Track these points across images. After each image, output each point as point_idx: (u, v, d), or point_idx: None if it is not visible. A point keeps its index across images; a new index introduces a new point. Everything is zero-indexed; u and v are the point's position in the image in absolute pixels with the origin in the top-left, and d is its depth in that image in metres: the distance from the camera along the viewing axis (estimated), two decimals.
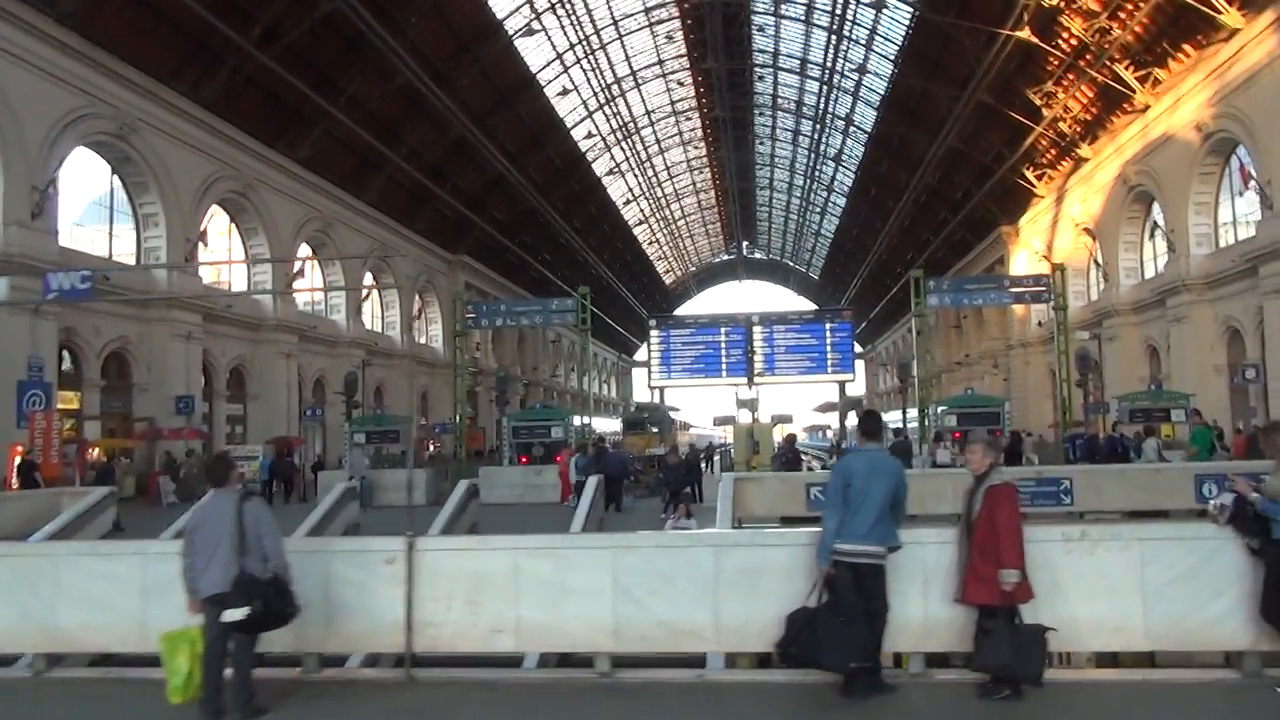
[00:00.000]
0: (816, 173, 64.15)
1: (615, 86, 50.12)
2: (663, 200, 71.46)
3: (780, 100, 55.34)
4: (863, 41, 42.68)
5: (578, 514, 14.75)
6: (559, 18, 40.63)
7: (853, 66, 45.15)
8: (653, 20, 45.68)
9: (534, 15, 38.96)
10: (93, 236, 28.52)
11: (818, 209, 71.98)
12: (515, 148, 45.66)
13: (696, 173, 69.85)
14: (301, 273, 36.70)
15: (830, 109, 52.07)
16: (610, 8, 43.21)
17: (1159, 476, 15.69)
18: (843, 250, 74.74)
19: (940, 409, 27.17)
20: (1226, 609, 5.99)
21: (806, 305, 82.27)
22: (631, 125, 55.85)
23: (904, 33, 39.70)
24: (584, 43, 44.10)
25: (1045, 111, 36.06)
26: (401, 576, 6.40)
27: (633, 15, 44.65)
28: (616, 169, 59.90)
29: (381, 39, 31.53)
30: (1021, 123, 37.68)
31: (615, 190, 63.16)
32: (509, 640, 6.41)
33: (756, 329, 38.70)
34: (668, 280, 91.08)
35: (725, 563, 6.35)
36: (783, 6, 44.10)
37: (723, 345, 38.97)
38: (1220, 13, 26.19)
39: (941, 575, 6.11)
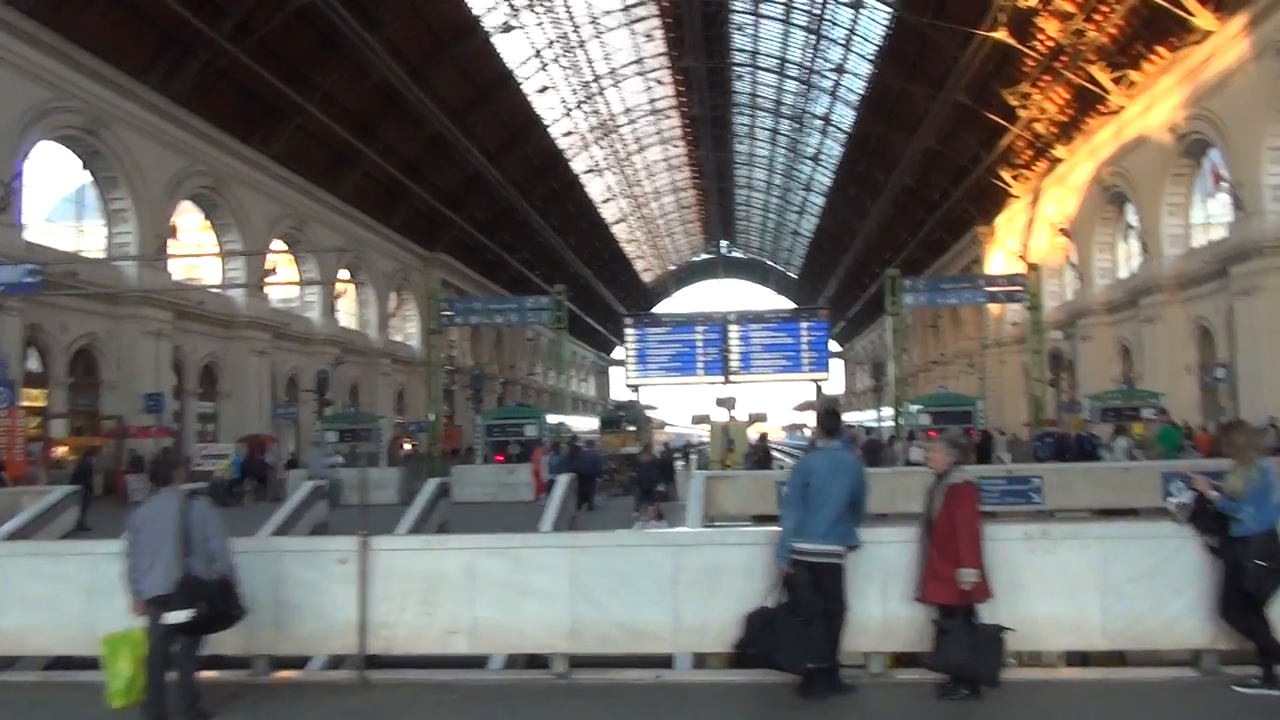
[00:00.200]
0: (795, 172, 64.28)
1: (594, 84, 50.01)
2: (642, 199, 71.42)
3: (759, 99, 55.40)
4: (841, 41, 42.81)
5: (547, 513, 14.67)
6: (537, 14, 40.48)
7: (831, 66, 45.27)
8: (632, 18, 45.60)
9: (512, 12, 38.79)
10: (63, 232, 28.15)
11: (796, 208, 72.16)
12: (493, 145, 45.43)
13: (676, 171, 69.82)
14: (275, 269, 36.45)
15: (808, 108, 52.18)
16: (589, 5, 43.07)
17: (1127, 475, 15.81)
18: (821, 249, 74.96)
19: (914, 408, 27.27)
20: (1186, 608, 5.97)
21: (786, 304, 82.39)
22: (610, 123, 55.76)
23: (882, 33, 39.81)
24: (562, 40, 43.97)
25: (1021, 113, 36.26)
26: (355, 576, 6.28)
27: (611, 13, 44.54)
28: (595, 167, 59.80)
29: (356, 34, 31.29)
30: (998, 123, 37.88)
31: (594, 188, 63.05)
32: (464, 641, 6.30)
33: (732, 327, 38.66)
34: (647, 279, 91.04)
35: (684, 562, 6.27)
36: (762, 6, 44.12)
37: (699, 344, 38.91)
38: (1193, 15, 26.41)
39: (901, 574, 6.05)
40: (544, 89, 46.26)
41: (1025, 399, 36.39)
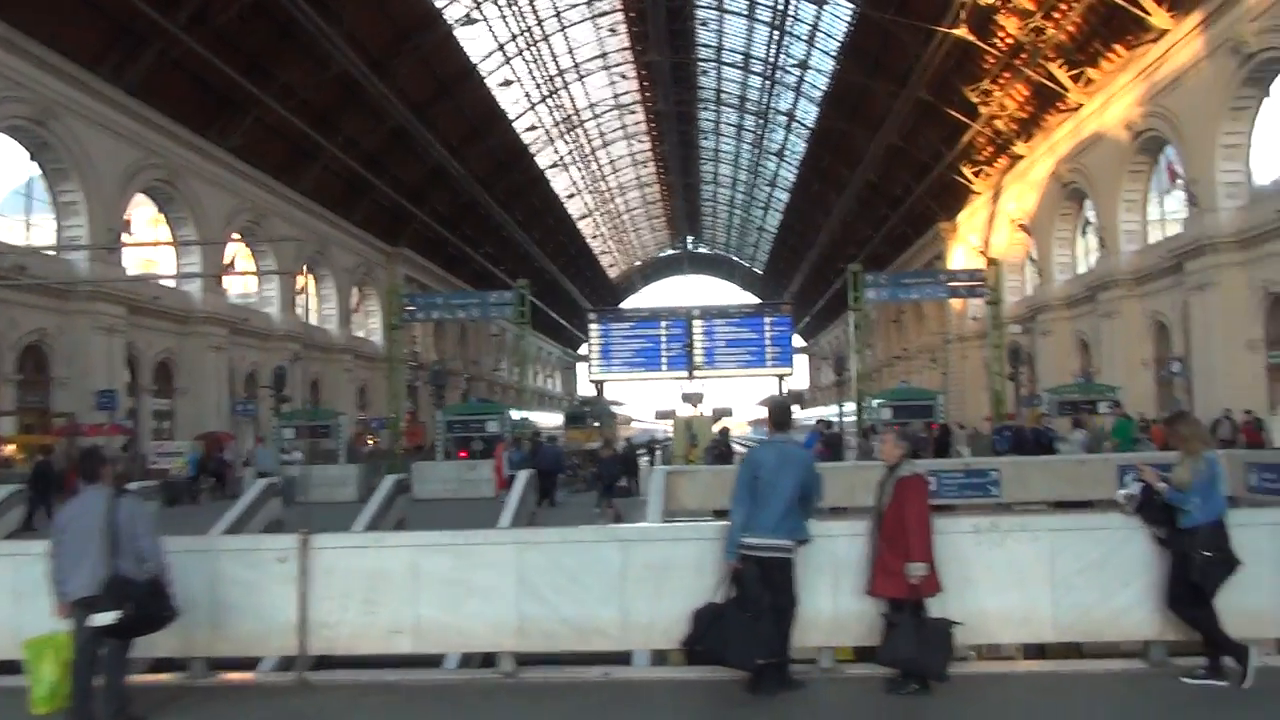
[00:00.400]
0: (760, 168, 64.42)
1: (558, 79, 49.75)
2: (607, 194, 71.25)
3: (724, 95, 55.44)
4: (804, 37, 42.88)
5: (505, 510, 14.55)
6: (499, 7, 40.17)
7: (794, 62, 45.34)
8: (595, 12, 45.40)
9: (474, 4, 38.43)
10: (11, 226, 27.45)
11: (761, 204, 72.36)
12: (456, 139, 45.03)
13: (641, 166, 69.75)
14: (234, 262, 35.88)
15: (773, 104, 52.28)
16: None
17: (1083, 468, 15.98)
18: (786, 245, 75.25)
19: (876, 402, 27.41)
20: (1134, 599, 5.96)
21: (751, 300, 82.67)
22: (575, 118, 55.51)
23: (845, 29, 39.96)
24: (526, 34, 43.66)
25: (982, 109, 36.56)
26: (294, 575, 6.11)
27: (575, 7, 44.33)
28: (560, 162, 59.53)
29: (315, 26, 30.82)
30: (959, 120, 38.16)
31: (559, 183, 62.77)
32: (408, 641, 6.15)
33: (696, 322, 38.72)
34: (613, 275, 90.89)
35: (633, 558, 6.17)
36: (725, 1, 44.09)
37: (663, 339, 38.93)
38: (1149, 14, 26.73)
39: (853, 568, 5.99)
40: (507, 83, 45.91)
41: (987, 393, 36.75)
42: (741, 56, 49.22)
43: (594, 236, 78.39)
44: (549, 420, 53.31)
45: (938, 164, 42.69)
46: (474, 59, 42.36)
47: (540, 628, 6.08)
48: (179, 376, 32.52)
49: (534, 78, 47.85)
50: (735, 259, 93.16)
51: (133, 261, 31.46)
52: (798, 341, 75.27)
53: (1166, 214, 30.29)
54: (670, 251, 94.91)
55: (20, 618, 6.16)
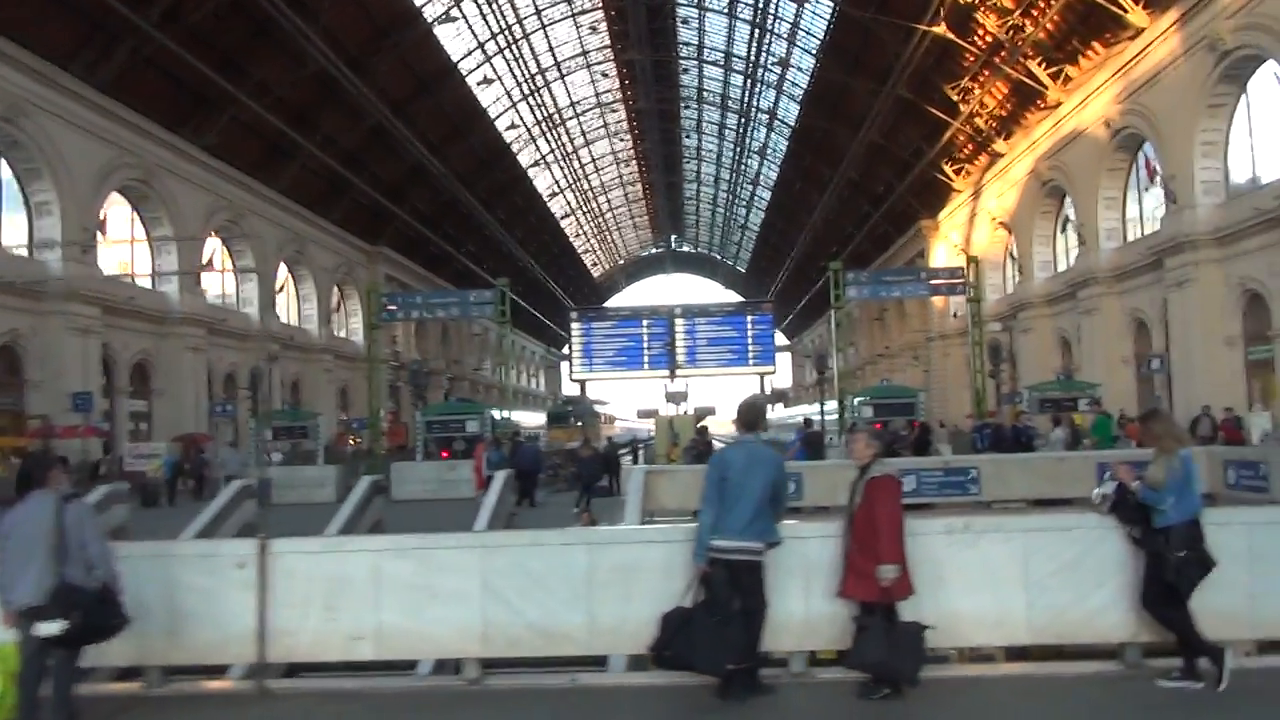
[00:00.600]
0: (742, 166, 64.40)
1: (539, 77, 49.54)
2: (590, 193, 71.08)
3: (705, 93, 55.38)
4: (785, 36, 42.86)
5: (481, 511, 14.36)
6: (479, 5, 39.94)
7: (775, 60, 45.31)
8: (575, 10, 45.24)
9: (453, 2, 38.18)
10: None
11: (744, 203, 72.36)
12: (436, 138, 44.76)
13: (623, 165, 69.63)
14: (211, 263, 35.53)
15: (754, 103, 52.25)
16: None
17: (1062, 465, 15.94)
18: (769, 244, 75.28)
19: (857, 400, 27.38)
20: (1109, 599, 5.88)
21: (734, 298, 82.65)
22: (556, 116, 55.34)
23: (825, 27, 39.95)
24: (506, 32, 43.44)
25: (962, 107, 36.63)
26: (253, 581, 5.95)
27: (555, 5, 44.16)
28: (542, 160, 59.34)
29: (292, 23, 30.51)
30: (940, 118, 38.22)
31: (541, 182, 62.58)
32: (370, 648, 6.00)
33: (678, 321, 38.62)
34: (596, 274, 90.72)
35: (600, 561, 6.04)
36: None
37: (644, 338, 38.80)
38: (1126, 12, 26.80)
39: (825, 570, 5.88)
40: (488, 81, 45.66)
41: (969, 391, 36.82)
42: (723, 55, 49.17)
43: (577, 235, 78.22)
44: (532, 420, 53.14)
45: (919, 162, 42.75)
46: (454, 57, 42.11)
47: (505, 633, 5.95)
48: (156, 378, 32.14)
49: (515, 76, 47.63)
50: (718, 258, 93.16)
51: (109, 262, 31.08)
52: (781, 340, 75.34)
53: (1145, 211, 30.39)
54: (653, 250, 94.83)
55: None
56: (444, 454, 26.10)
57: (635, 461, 30.38)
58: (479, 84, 45.25)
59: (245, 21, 30.71)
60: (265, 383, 30.71)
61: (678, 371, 38.58)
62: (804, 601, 5.94)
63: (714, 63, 50.49)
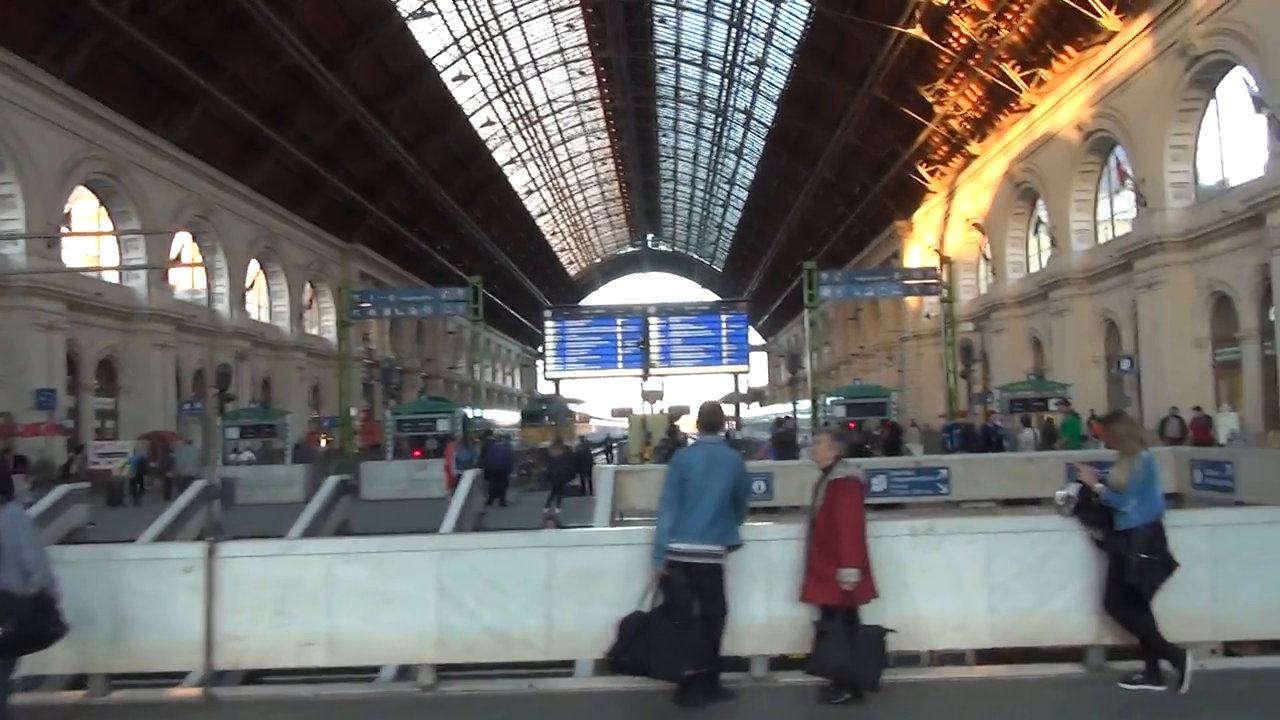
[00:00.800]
0: (719, 166, 64.41)
1: (515, 74, 49.28)
2: (566, 191, 70.84)
3: (682, 92, 55.33)
4: (762, 35, 42.87)
5: (449, 512, 14.19)
6: (454, 1, 39.62)
7: (752, 60, 45.32)
8: (553, 7, 45.03)
9: None
10: None
11: (721, 202, 72.37)
12: (411, 134, 44.41)
13: (600, 164, 69.45)
14: (180, 256, 35.03)
15: (731, 102, 52.26)
16: None
17: (1032, 466, 15.99)
18: (746, 243, 75.38)
19: (830, 400, 27.41)
20: (1071, 602, 5.83)
21: (710, 297, 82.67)
22: (533, 114, 55.07)
23: (802, 27, 39.98)
24: (482, 28, 43.17)
25: (937, 109, 36.78)
26: (200, 585, 5.78)
27: (532, 1, 43.92)
28: (518, 158, 59.05)
29: (265, 17, 30.15)
30: (915, 119, 38.35)
31: (517, 180, 62.28)
32: (322, 654, 5.85)
33: (653, 320, 38.56)
34: (573, 272, 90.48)
35: (559, 565, 5.92)
36: None
37: (619, 336, 38.70)
38: (1099, 16, 26.96)
39: (787, 573, 5.80)
40: (463, 78, 45.34)
41: (942, 391, 36.99)
42: (700, 54, 49.11)
43: (553, 234, 77.96)
44: (507, 418, 52.90)
45: (894, 163, 42.90)
46: (429, 53, 41.79)
47: (462, 638, 5.82)
48: (123, 375, 31.65)
49: (491, 73, 47.34)
50: (695, 257, 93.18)
51: (75, 258, 30.61)
52: (757, 339, 75.45)
53: (1116, 214, 30.62)
54: (630, 249, 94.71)
55: None
56: (416, 453, 25.93)
57: (609, 460, 30.26)
58: (454, 80, 44.94)
59: (217, 15, 30.35)
60: (233, 380, 30.29)
61: (652, 370, 38.49)
62: (766, 605, 5.85)
63: (691, 62, 50.45)
